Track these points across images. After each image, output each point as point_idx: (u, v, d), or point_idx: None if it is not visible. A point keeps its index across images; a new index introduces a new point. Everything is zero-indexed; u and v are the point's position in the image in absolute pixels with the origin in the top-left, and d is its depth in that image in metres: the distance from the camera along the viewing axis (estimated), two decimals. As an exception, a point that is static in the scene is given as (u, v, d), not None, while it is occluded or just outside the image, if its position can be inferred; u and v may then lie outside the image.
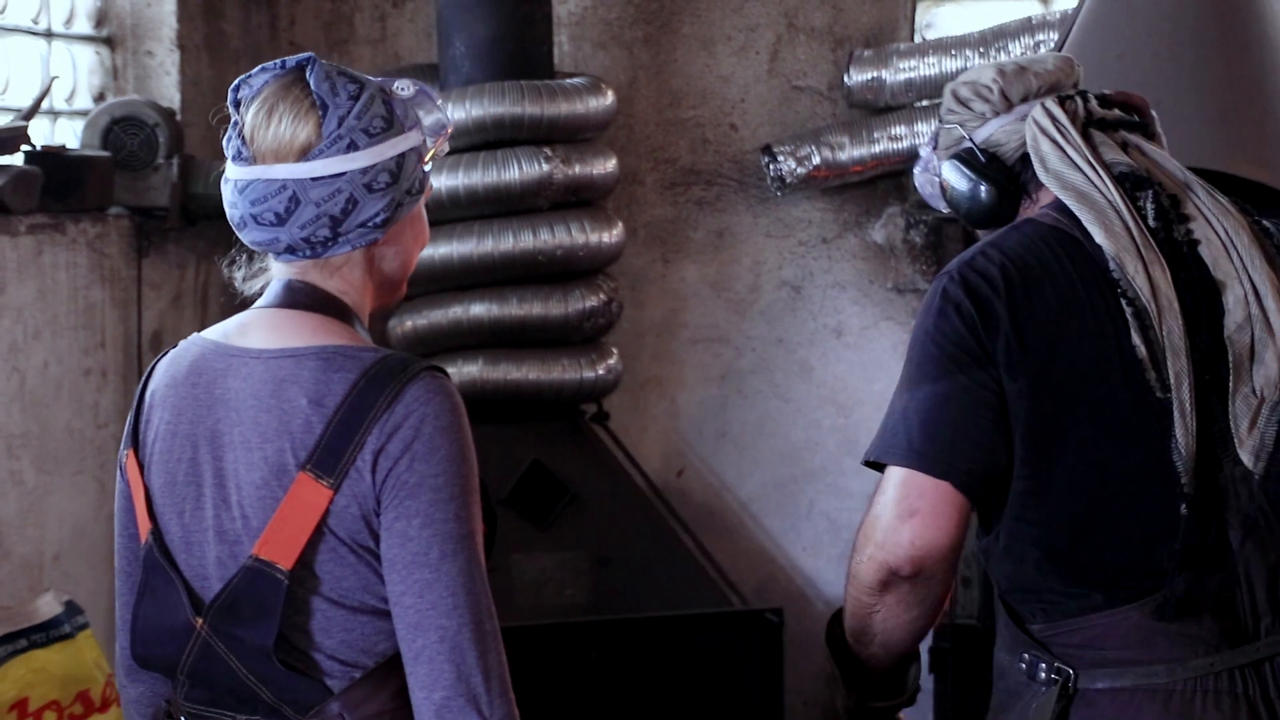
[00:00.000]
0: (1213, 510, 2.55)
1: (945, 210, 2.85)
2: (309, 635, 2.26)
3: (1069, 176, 2.64)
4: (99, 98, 5.33)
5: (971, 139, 2.77)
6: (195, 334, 2.46)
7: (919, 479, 2.56)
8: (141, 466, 2.36)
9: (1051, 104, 2.73)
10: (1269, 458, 2.56)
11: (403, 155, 2.35)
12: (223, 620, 2.27)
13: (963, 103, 2.84)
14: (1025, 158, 2.72)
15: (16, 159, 4.48)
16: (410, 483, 2.23)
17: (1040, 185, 2.70)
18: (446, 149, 2.47)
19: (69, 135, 5.17)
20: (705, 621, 5.22)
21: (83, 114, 5.17)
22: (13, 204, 4.32)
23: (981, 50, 5.68)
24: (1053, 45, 5.49)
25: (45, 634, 4.04)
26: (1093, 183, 2.63)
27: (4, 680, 3.86)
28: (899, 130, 5.77)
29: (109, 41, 5.38)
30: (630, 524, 5.44)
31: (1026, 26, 5.68)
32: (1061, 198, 2.64)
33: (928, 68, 5.73)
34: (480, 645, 2.23)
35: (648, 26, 6.06)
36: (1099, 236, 2.59)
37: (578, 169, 5.46)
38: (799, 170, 5.82)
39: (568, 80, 5.54)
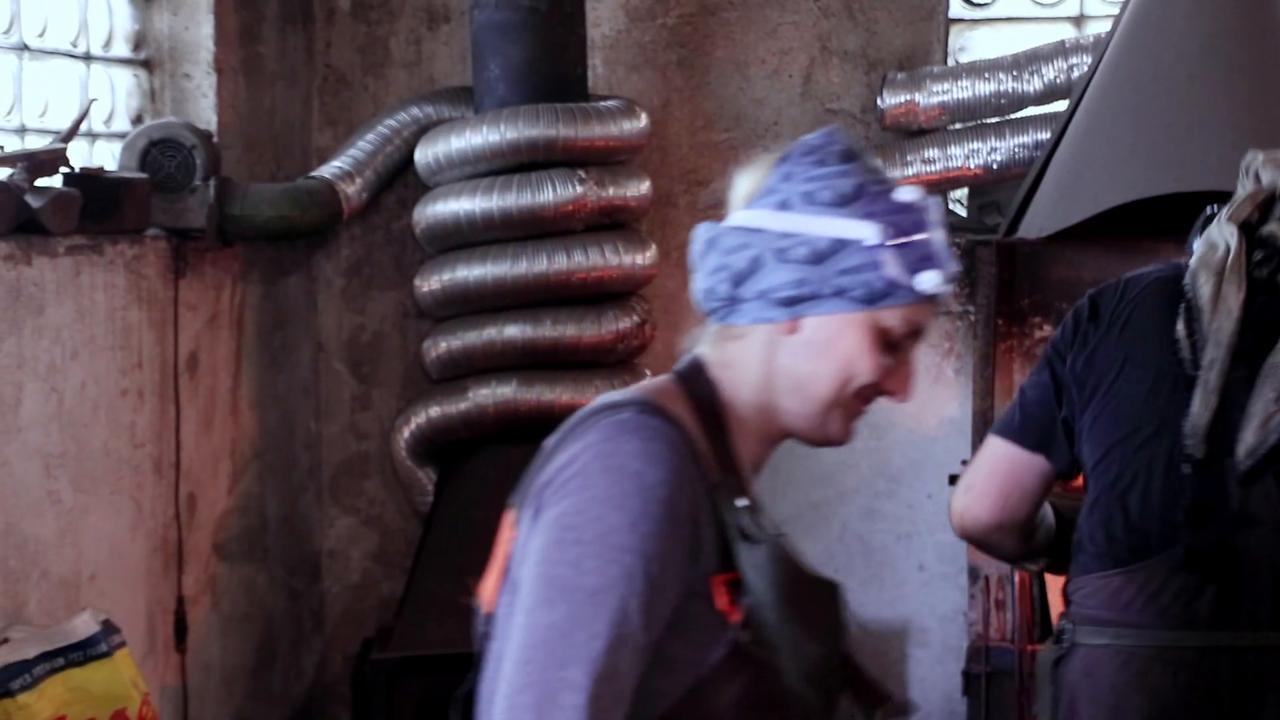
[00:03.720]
0: (1217, 488, 2.76)
1: None
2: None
3: (1213, 232, 2.92)
4: (137, 120, 5.37)
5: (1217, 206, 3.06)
6: None
7: (993, 442, 2.97)
8: None
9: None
10: (1258, 460, 2.75)
11: (841, 242, 2.01)
12: None
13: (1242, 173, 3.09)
14: None
15: (55, 181, 4.52)
16: (545, 518, 1.97)
17: None
18: (936, 285, 2.05)
19: (107, 157, 5.20)
20: (738, 643, 5.21)
21: (121, 136, 5.21)
22: (51, 226, 4.36)
23: (1015, 73, 5.68)
24: (1086, 68, 5.49)
25: (82, 653, 4.06)
26: (1224, 234, 2.88)
27: (42, 699, 3.88)
28: (932, 153, 5.77)
29: (147, 64, 5.42)
30: (663, 545, 5.43)
31: (1060, 50, 5.67)
32: (1197, 241, 2.94)
33: (961, 91, 5.73)
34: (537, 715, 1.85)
35: (682, 50, 6.08)
36: (1193, 260, 2.88)
37: (611, 191, 5.48)
38: (832, 193, 5.81)
39: (602, 103, 5.56)
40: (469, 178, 5.48)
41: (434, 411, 5.60)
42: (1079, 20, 6.12)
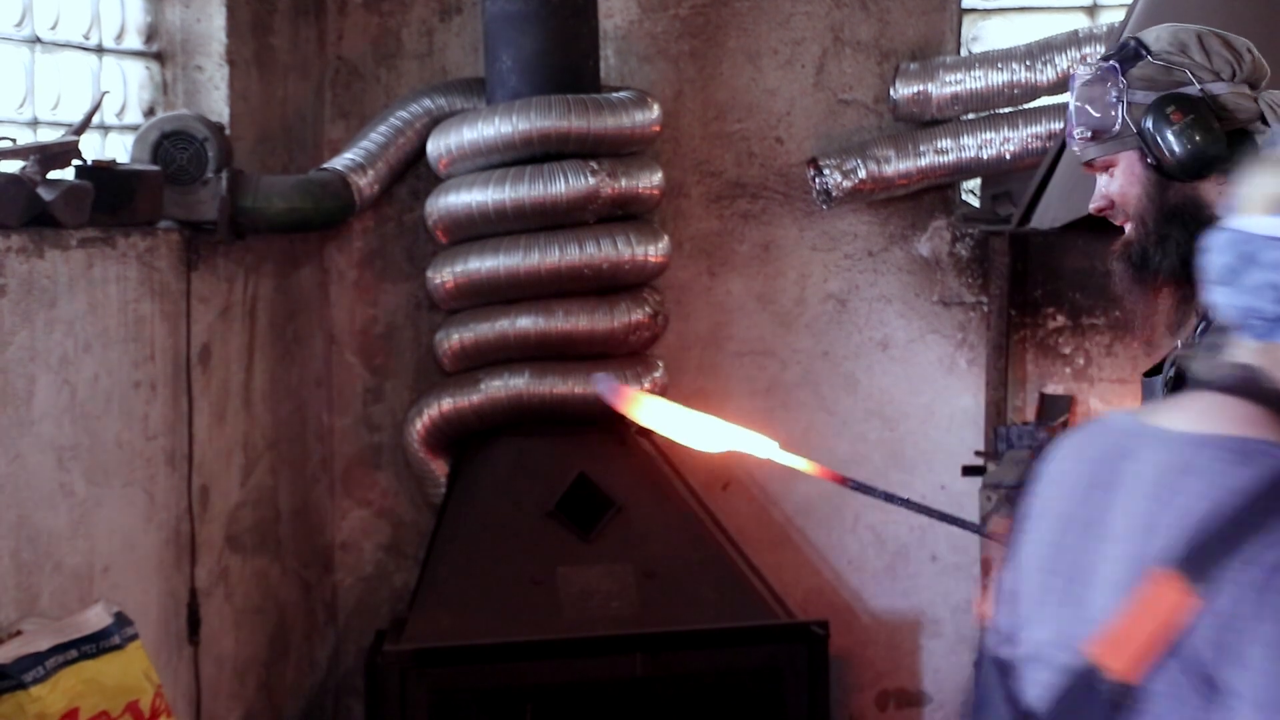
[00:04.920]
0: None
1: (1083, 134, 2.82)
2: None
3: None
4: (149, 112, 5.37)
5: (1202, 89, 2.75)
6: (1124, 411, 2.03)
7: None
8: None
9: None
10: None
11: None
12: None
13: (1208, 52, 2.80)
14: (1239, 133, 2.72)
15: (68, 173, 4.52)
16: (1276, 606, 1.67)
17: None
18: None
19: (119, 150, 5.20)
20: (750, 634, 5.22)
21: (133, 129, 5.21)
22: (64, 218, 4.36)
23: (1028, 63, 5.67)
24: (1099, 58, 5.47)
25: (95, 645, 4.06)
26: None
27: (55, 691, 3.88)
28: (945, 143, 5.76)
29: (159, 57, 5.42)
30: (676, 536, 5.44)
31: (1073, 39, 5.66)
32: None
33: (974, 81, 5.73)
34: None
35: (694, 40, 6.07)
36: None
37: (624, 183, 5.47)
38: (845, 183, 5.81)
39: (614, 94, 5.55)
40: (481, 169, 5.48)
41: (446, 403, 5.61)
42: (1092, 10, 6.10)
